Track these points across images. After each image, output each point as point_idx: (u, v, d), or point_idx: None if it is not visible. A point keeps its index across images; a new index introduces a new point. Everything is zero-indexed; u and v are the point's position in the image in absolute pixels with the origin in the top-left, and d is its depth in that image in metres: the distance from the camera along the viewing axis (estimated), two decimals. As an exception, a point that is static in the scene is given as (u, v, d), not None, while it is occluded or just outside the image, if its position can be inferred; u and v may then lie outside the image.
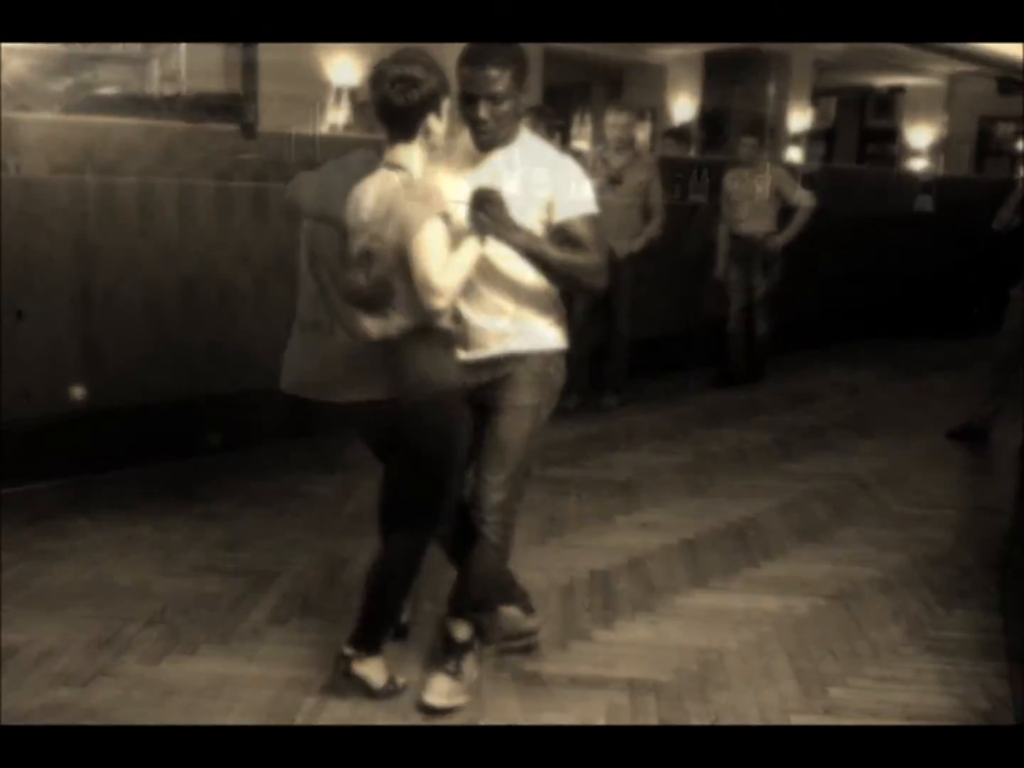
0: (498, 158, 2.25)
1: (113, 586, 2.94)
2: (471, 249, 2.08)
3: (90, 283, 3.76)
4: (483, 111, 2.14)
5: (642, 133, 8.99)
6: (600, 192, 4.79)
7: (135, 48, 7.96)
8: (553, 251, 2.23)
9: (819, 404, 5.65)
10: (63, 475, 3.74)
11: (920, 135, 12.39)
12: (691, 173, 6.98)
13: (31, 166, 3.57)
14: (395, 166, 2.09)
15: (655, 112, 10.36)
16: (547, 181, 2.25)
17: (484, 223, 2.08)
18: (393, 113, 2.06)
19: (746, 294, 5.86)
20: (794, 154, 10.78)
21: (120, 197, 3.77)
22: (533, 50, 8.31)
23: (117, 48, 7.85)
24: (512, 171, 2.23)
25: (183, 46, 8.02)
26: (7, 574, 2.98)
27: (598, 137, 5.80)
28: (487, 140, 2.21)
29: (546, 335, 2.38)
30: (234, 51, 8.09)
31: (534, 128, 5.62)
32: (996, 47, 8.70)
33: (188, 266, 3.96)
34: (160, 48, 8.06)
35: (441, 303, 2.02)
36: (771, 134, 10.67)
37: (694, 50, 10.17)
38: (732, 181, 5.77)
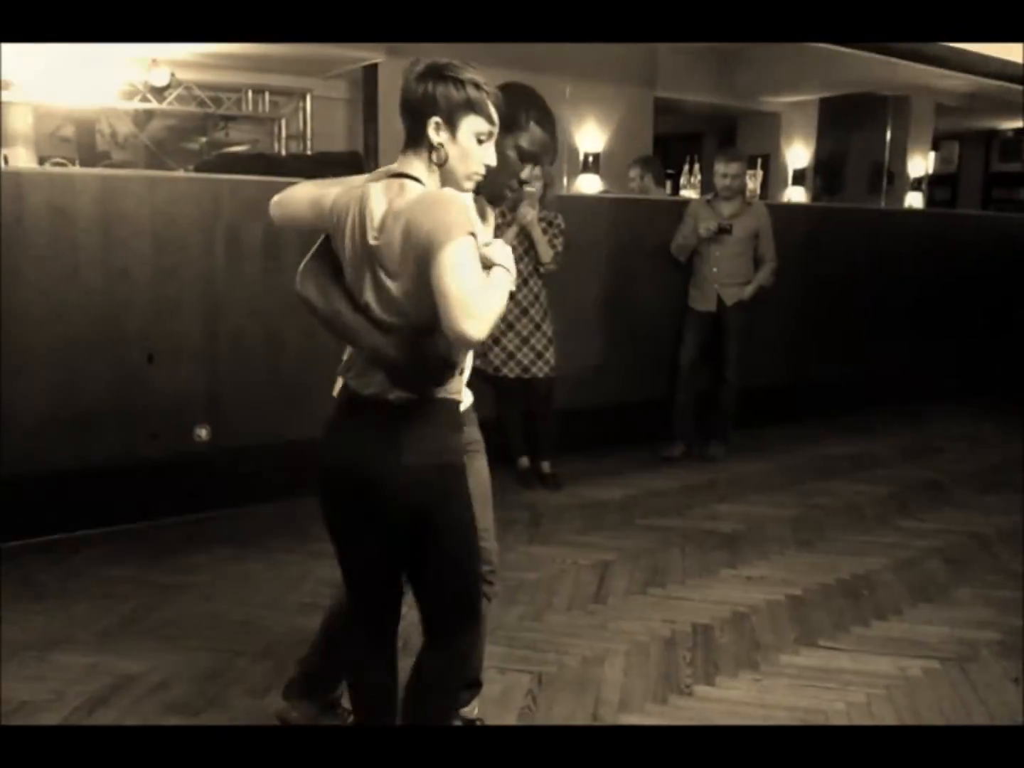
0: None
1: (226, 620, 3.07)
2: (503, 277, 1.74)
3: (217, 329, 3.98)
4: (533, 174, 2.15)
5: (752, 181, 8.94)
6: (710, 241, 4.87)
7: (264, 108, 8.42)
8: None
9: (939, 457, 5.43)
10: (185, 511, 3.93)
11: (1050, 178, 11.88)
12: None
13: (165, 221, 3.81)
14: (400, 175, 1.78)
15: (767, 160, 10.29)
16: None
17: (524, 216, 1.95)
18: (401, 108, 1.79)
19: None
20: (915, 199, 10.50)
21: (245, 248, 3.99)
22: (644, 99, 8.42)
23: (247, 109, 8.32)
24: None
25: (308, 109, 8.45)
26: (129, 605, 3.15)
27: (708, 186, 5.77)
28: (503, 200, 2.24)
29: None
30: (356, 109, 8.49)
31: (641, 178, 5.73)
32: None
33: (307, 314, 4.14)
34: (287, 108, 8.50)
35: (478, 329, 1.55)
36: (890, 179, 10.45)
37: (808, 96, 10.08)
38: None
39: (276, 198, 2.00)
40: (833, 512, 4.36)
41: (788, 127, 10.43)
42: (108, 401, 3.79)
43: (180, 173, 4.77)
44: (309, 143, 8.48)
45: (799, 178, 10.44)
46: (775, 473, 4.96)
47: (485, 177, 1.86)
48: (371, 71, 7.97)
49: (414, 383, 1.78)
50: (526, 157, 2.09)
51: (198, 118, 8.12)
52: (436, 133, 1.75)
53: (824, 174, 11.13)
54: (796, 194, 10.33)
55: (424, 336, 1.71)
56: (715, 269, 4.96)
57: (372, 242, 1.72)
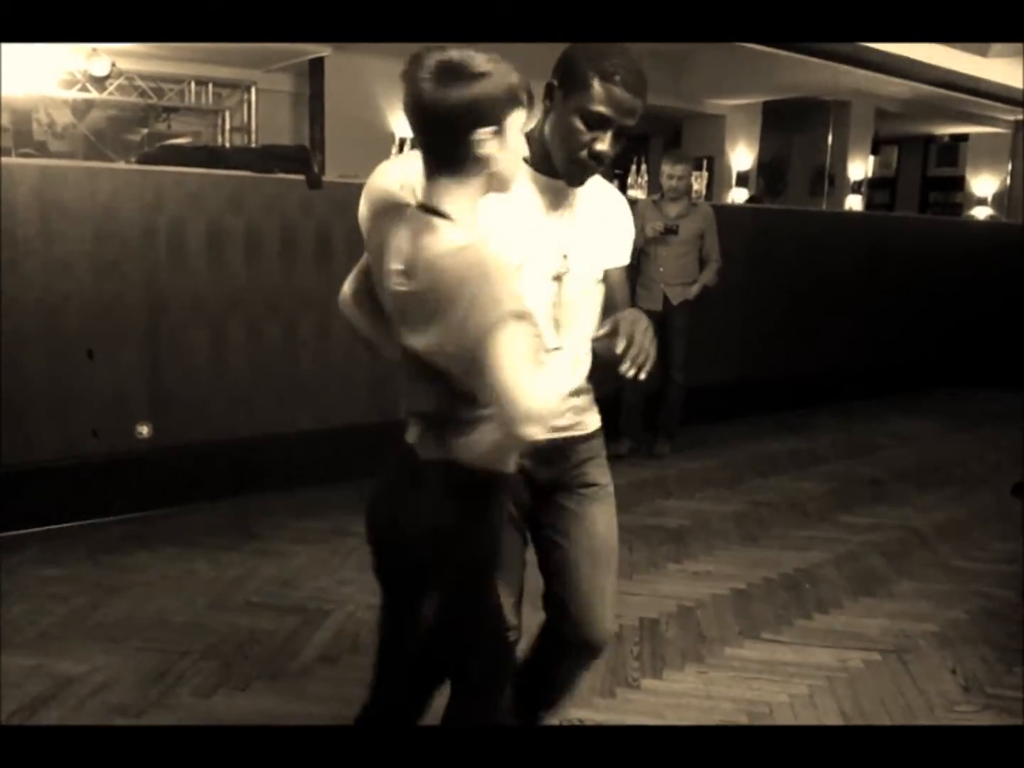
0: (575, 195, 1.75)
1: (169, 620, 3.01)
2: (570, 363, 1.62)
3: (159, 325, 3.91)
4: (611, 144, 1.64)
5: (698, 183, 9.05)
6: (657, 241, 4.92)
7: (207, 101, 8.30)
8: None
9: (878, 454, 5.56)
10: (126, 510, 3.86)
11: (984, 183, 12.25)
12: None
13: (106, 214, 3.73)
14: (430, 209, 1.43)
15: (712, 162, 10.43)
16: (611, 221, 1.84)
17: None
18: (425, 122, 1.39)
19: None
20: (855, 202, 10.74)
21: (189, 242, 3.92)
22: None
23: (190, 100, 8.19)
24: (583, 210, 1.77)
25: (253, 102, 8.35)
26: (70, 605, 3.08)
27: (655, 186, 5.84)
28: (582, 180, 1.71)
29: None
30: (302, 103, 8.41)
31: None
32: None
33: (253, 309, 4.09)
34: (231, 101, 8.39)
35: (533, 432, 1.34)
36: (831, 182, 10.67)
37: (753, 100, 10.25)
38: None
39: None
40: (776, 508, 4.43)
41: (732, 130, 10.60)
42: (47, 397, 3.70)
43: (122, 165, 4.67)
44: (254, 136, 8.38)
45: (743, 180, 10.61)
46: (720, 470, 5.03)
47: (546, 154, 1.65)
48: (317, 64, 7.91)
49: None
50: (594, 122, 1.60)
51: (139, 109, 7.98)
52: (484, 146, 1.40)
53: (767, 176, 11.33)
54: (740, 195, 10.49)
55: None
56: (662, 269, 5.02)
57: (397, 288, 1.44)
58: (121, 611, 3.06)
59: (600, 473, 1.95)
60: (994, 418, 6.62)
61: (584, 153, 1.63)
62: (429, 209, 1.42)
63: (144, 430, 3.91)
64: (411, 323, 1.45)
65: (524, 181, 1.66)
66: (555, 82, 1.66)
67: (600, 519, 1.94)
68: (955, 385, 7.48)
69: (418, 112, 1.38)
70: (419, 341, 1.44)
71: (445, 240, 1.38)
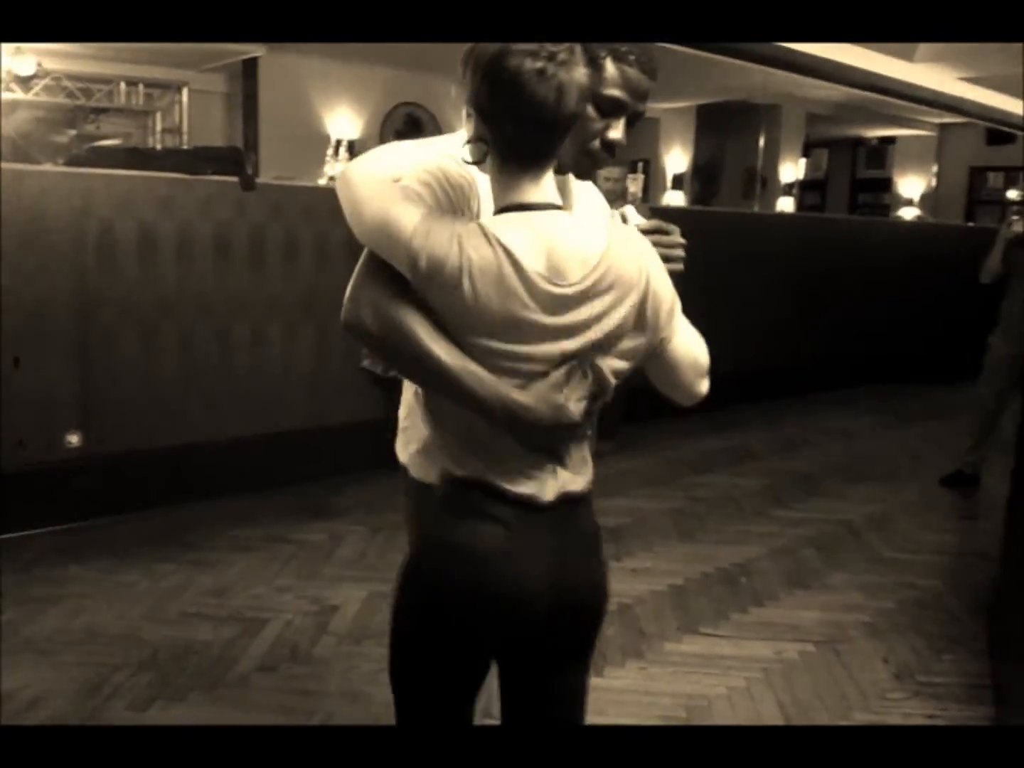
0: (572, 191, 1.62)
1: (103, 633, 2.95)
2: None
3: (89, 331, 3.82)
4: (624, 132, 1.48)
5: (634, 185, 9.14)
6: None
7: (137, 101, 8.14)
8: None
9: (811, 450, 5.68)
10: (56, 522, 3.76)
11: (911, 185, 12.59)
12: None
13: (33, 217, 3.64)
14: (553, 206, 1.30)
15: (647, 164, 10.55)
16: (603, 213, 1.70)
17: (678, 273, 1.53)
18: (542, 123, 1.23)
19: None
20: (787, 203, 10.95)
21: (119, 246, 3.84)
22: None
23: (119, 101, 8.03)
24: (587, 206, 1.66)
25: (185, 103, 8.22)
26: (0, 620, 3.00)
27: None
28: (592, 171, 1.59)
29: None
30: (235, 104, 8.30)
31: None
32: (984, 99, 8.88)
33: (185, 314, 4.03)
34: (162, 102, 8.24)
35: (707, 387, 1.47)
36: (763, 184, 10.87)
37: (686, 102, 10.39)
38: None
39: (349, 170, 1.34)
40: (713, 504, 4.50)
41: (667, 133, 10.73)
42: (-29, 406, 3.59)
43: (49, 167, 4.55)
44: (186, 137, 8.24)
45: (678, 182, 10.75)
46: (658, 468, 5.09)
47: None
48: (251, 65, 7.82)
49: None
50: (608, 108, 1.44)
51: (67, 110, 7.80)
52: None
53: (701, 179, 11.50)
54: (675, 198, 10.63)
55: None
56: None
57: (562, 291, 1.24)
58: (53, 625, 2.99)
59: None
60: (923, 413, 6.81)
61: (596, 143, 1.46)
62: (554, 206, 1.29)
63: (73, 439, 3.81)
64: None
65: None
66: None
67: None
68: (885, 381, 7.67)
69: (540, 114, 1.21)
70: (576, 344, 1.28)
71: (612, 228, 1.31)
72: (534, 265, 1.22)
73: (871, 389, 7.47)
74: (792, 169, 11.23)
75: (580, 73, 1.22)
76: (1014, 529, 3.04)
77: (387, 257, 1.24)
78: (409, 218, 1.22)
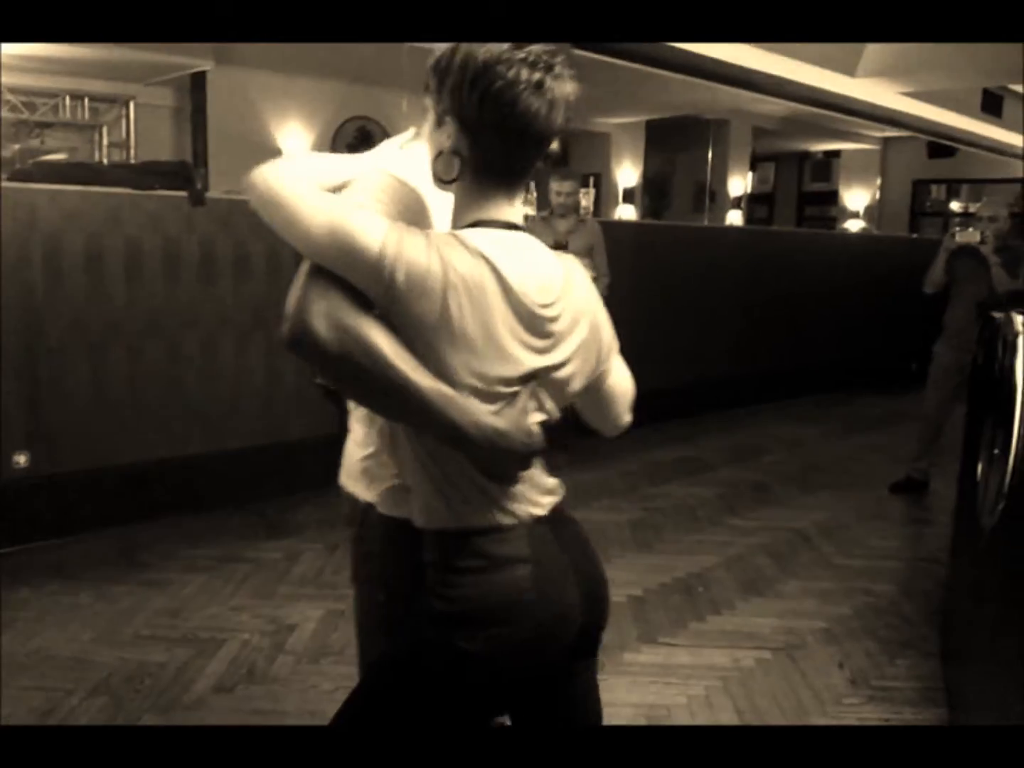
0: None
1: (55, 657, 2.88)
2: None
3: (36, 348, 3.74)
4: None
5: (586, 199, 9.22)
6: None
7: (83, 115, 8.01)
8: None
9: (762, 459, 5.75)
10: (4, 544, 3.67)
11: (856, 197, 12.86)
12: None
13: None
14: (515, 226, 1.25)
15: (599, 178, 10.64)
16: None
17: None
18: (529, 137, 1.18)
19: None
20: (735, 216, 11.12)
21: (66, 261, 3.77)
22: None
23: (65, 115, 7.90)
24: None
25: (132, 117, 8.11)
26: (-58, 647, 2.91)
27: (543, 203, 5.93)
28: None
29: None
30: (183, 118, 8.20)
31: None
32: (924, 113, 9.11)
33: (134, 330, 3.97)
34: (108, 116, 8.12)
35: (631, 418, 1.46)
36: (712, 197, 11.02)
37: (635, 118, 10.50)
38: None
39: (270, 180, 1.18)
40: (668, 514, 4.54)
41: (618, 147, 10.84)
42: (-88, 427, 3.50)
43: (-9, 182, 4.46)
44: (133, 152, 8.13)
45: (629, 196, 10.86)
46: (614, 480, 5.12)
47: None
48: (199, 78, 7.73)
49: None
50: None
51: (10, 124, 7.64)
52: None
53: (652, 193, 11.63)
54: (626, 212, 10.73)
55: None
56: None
57: (540, 312, 1.20)
58: (3, 649, 2.90)
59: None
60: (873, 422, 6.94)
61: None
62: (514, 226, 1.24)
63: (21, 459, 3.72)
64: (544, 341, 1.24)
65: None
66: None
67: None
68: (834, 391, 7.80)
69: (527, 131, 1.17)
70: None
71: (546, 253, 1.27)
72: (518, 282, 1.16)
73: (818, 399, 7.59)
74: (740, 183, 11.41)
75: (571, 86, 1.19)
76: (961, 533, 3.10)
77: (346, 273, 1.12)
78: (374, 229, 1.12)
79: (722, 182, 11.15)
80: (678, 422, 6.43)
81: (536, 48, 1.15)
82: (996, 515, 2.35)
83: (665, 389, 6.40)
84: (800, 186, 14.14)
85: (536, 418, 1.25)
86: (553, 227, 5.09)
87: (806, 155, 13.88)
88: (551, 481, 1.34)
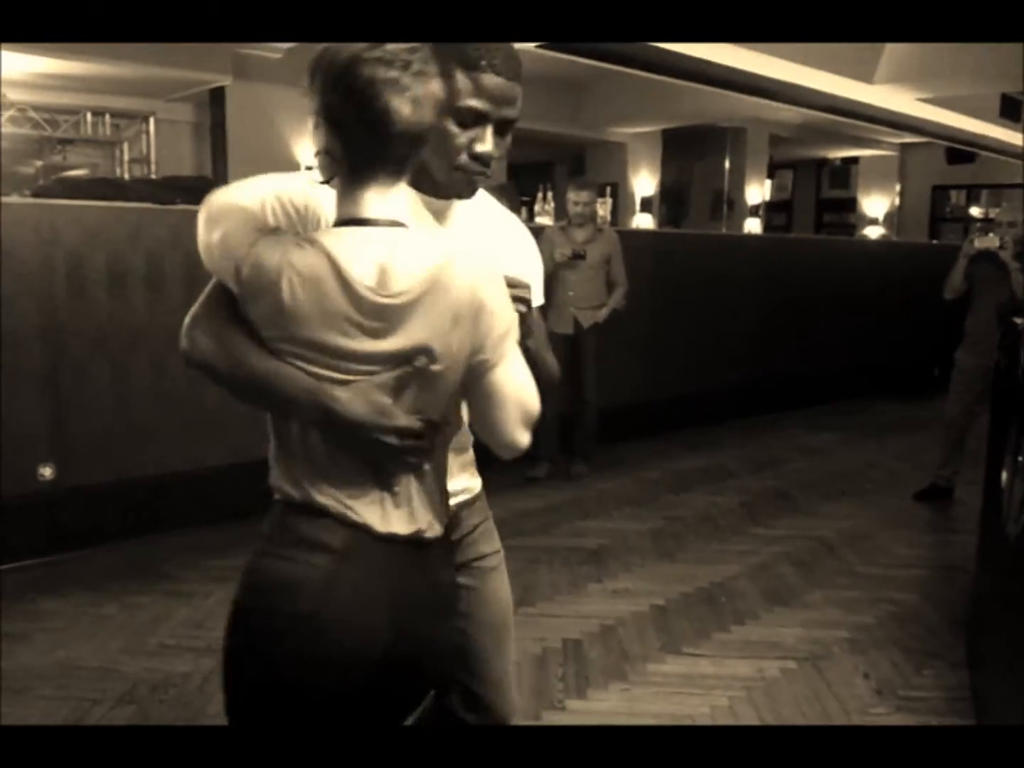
0: (456, 215, 1.51)
1: (81, 667, 2.90)
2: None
3: (60, 363, 3.78)
4: (495, 144, 1.41)
5: (603, 209, 9.23)
6: (565, 266, 5.00)
7: (104, 132, 8.10)
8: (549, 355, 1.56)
9: (784, 467, 5.72)
10: (31, 556, 3.71)
11: (875, 204, 12.80)
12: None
13: (2, 250, 3.61)
14: (395, 223, 1.26)
15: (615, 188, 10.65)
16: (512, 253, 1.56)
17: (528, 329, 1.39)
18: (393, 133, 1.20)
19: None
20: (753, 224, 11.09)
21: (89, 277, 3.82)
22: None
23: (86, 132, 7.99)
24: (469, 233, 1.52)
25: (152, 133, 8.19)
26: (-29, 659, 2.94)
27: (561, 213, 5.94)
28: (472, 189, 1.48)
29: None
30: (203, 133, 8.28)
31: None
32: (942, 119, 9.07)
33: (156, 344, 4.00)
34: (129, 132, 8.21)
35: (529, 439, 1.34)
36: (730, 205, 11.01)
37: (652, 127, 10.51)
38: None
39: (211, 204, 1.32)
40: (690, 523, 4.52)
41: (634, 156, 10.84)
42: (-60, 441, 3.54)
43: (15, 198, 4.52)
44: (154, 167, 8.21)
45: (646, 205, 10.86)
46: (635, 488, 5.11)
47: (421, 169, 1.39)
48: (218, 94, 7.80)
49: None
50: (469, 120, 1.39)
51: (33, 141, 7.73)
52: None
53: (669, 201, 11.62)
54: (644, 221, 10.73)
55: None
56: (571, 293, 5.09)
57: (378, 299, 1.22)
58: (29, 660, 2.94)
59: (490, 540, 1.67)
60: (894, 428, 6.90)
61: (464, 158, 1.40)
62: (393, 222, 1.26)
63: (47, 471, 3.76)
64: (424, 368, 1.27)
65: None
66: None
67: (499, 595, 1.67)
68: (855, 398, 7.76)
69: (382, 123, 1.19)
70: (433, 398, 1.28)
71: (418, 246, 1.27)
72: (359, 274, 1.20)
73: (839, 406, 7.55)
74: (758, 190, 11.39)
75: (435, 84, 1.22)
76: (987, 541, 3.08)
77: (220, 276, 1.27)
78: (244, 235, 1.24)
79: (740, 190, 11.13)
80: (698, 430, 6.42)
81: (393, 46, 1.18)
82: (1021, 523, 2.33)
83: (685, 397, 6.40)
84: (818, 193, 14.09)
85: (408, 405, 1.24)
86: (570, 237, 5.10)
87: (824, 162, 13.84)
88: (419, 513, 1.28)
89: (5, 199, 4.29)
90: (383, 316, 1.21)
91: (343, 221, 1.25)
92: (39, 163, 7.74)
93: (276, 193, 1.34)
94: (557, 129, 9.58)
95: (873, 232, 12.16)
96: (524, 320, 1.35)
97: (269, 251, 1.21)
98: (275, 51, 6.73)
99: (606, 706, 2.78)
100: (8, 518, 3.68)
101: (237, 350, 1.26)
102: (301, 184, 1.35)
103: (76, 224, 3.80)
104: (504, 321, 1.27)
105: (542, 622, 3.35)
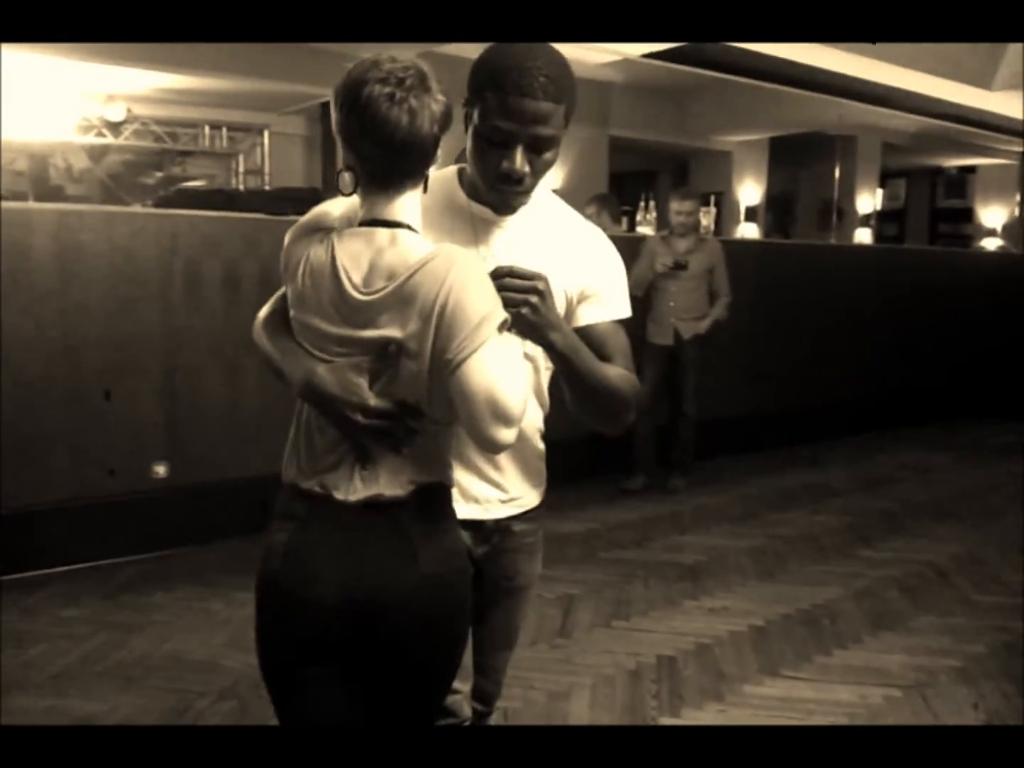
0: (510, 224, 1.56)
1: (187, 660, 3.01)
2: (519, 356, 1.49)
3: (176, 365, 3.95)
4: (528, 161, 1.46)
5: (706, 218, 9.10)
6: (667, 276, 4.96)
7: (221, 144, 8.42)
8: (600, 364, 1.54)
9: (893, 487, 5.53)
10: (143, 550, 3.88)
11: (993, 215, 12.28)
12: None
13: (122, 257, 3.79)
14: (392, 223, 1.38)
15: (720, 197, 10.50)
16: (581, 264, 1.57)
17: (528, 321, 1.40)
18: (397, 144, 1.32)
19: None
20: (864, 235, 10.78)
21: (205, 283, 3.97)
22: (599, 139, 8.55)
23: (204, 144, 8.31)
24: (531, 245, 1.54)
25: (266, 145, 8.47)
26: (88, 645, 3.08)
27: (663, 223, 5.89)
28: (513, 203, 1.53)
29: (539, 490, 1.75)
30: (315, 146, 8.53)
31: (598, 215, 5.82)
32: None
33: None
34: (244, 144, 8.51)
35: (511, 437, 1.34)
36: (839, 215, 10.72)
37: (758, 135, 10.34)
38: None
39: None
40: (792, 542, 4.41)
41: (740, 165, 10.68)
42: (64, 438, 3.73)
43: (138, 208, 4.75)
44: (267, 179, 8.49)
45: (751, 215, 10.67)
46: (735, 504, 5.01)
47: (473, 181, 1.53)
48: (329, 107, 8.03)
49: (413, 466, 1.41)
50: (497, 139, 1.44)
51: (154, 153, 8.11)
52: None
53: (775, 211, 11.39)
54: (749, 230, 10.55)
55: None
56: (672, 304, 5.04)
57: (356, 295, 1.36)
58: (138, 651, 3.07)
59: (529, 561, 1.73)
60: (1008, 449, 6.58)
61: (494, 176, 1.46)
62: (389, 222, 1.38)
63: (160, 469, 3.93)
64: (398, 360, 1.38)
65: (457, 210, 1.55)
66: (463, 101, 1.49)
67: (512, 608, 1.75)
68: (967, 417, 7.45)
69: (390, 136, 1.31)
70: (406, 387, 1.39)
71: (410, 249, 1.37)
72: (351, 272, 1.36)
73: (953, 424, 7.26)
74: (869, 200, 11.05)
75: (431, 98, 1.33)
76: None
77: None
78: (298, 239, 1.45)
79: (850, 199, 10.82)
80: (802, 447, 6.27)
81: (388, 66, 1.32)
82: None
83: (789, 412, 6.26)
84: (933, 203, 13.59)
85: (379, 387, 1.37)
86: (672, 247, 5.05)
87: (939, 171, 13.34)
88: (381, 478, 1.40)
89: (128, 209, 4.51)
90: (361, 309, 1.36)
91: (360, 223, 1.40)
92: (160, 174, 8.11)
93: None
94: (660, 138, 9.51)
95: (991, 244, 11.66)
96: (523, 317, 1.40)
97: (299, 243, 1.44)
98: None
99: (700, 725, 2.73)
100: (123, 514, 3.86)
101: (266, 330, 1.51)
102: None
103: (193, 233, 3.96)
104: (475, 316, 1.32)
105: (636, 637, 3.31)
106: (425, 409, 1.37)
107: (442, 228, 1.48)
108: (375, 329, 1.34)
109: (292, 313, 1.45)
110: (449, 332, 1.31)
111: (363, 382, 1.36)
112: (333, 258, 1.37)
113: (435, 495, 1.43)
